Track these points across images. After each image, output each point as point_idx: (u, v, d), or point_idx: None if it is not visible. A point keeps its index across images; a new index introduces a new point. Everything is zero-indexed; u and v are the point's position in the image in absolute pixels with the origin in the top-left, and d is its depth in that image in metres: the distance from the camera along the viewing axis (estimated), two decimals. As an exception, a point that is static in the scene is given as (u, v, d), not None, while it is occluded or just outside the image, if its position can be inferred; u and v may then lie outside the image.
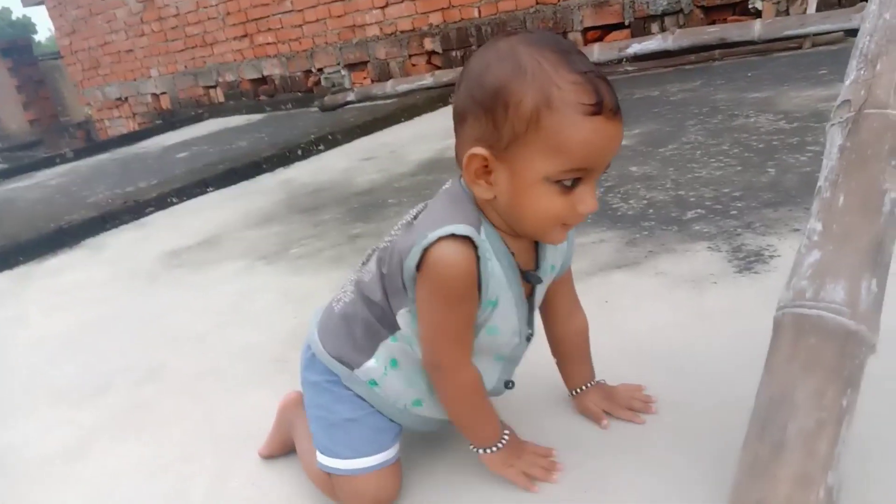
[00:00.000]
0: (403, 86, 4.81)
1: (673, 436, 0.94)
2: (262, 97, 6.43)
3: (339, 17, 5.57)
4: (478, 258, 0.79)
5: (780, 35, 3.53)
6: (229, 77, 6.67)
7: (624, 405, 1.00)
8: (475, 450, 0.92)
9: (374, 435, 0.92)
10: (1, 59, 9.64)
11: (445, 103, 4.43)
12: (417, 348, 0.88)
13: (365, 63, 5.60)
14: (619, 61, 4.03)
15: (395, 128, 4.05)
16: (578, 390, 1.03)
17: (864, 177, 0.83)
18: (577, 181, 0.75)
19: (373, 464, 0.91)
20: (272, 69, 6.28)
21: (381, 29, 5.37)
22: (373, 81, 5.53)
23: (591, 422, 1.01)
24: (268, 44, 6.20)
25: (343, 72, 5.77)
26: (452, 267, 0.78)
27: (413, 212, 0.89)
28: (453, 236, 0.77)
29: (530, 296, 0.90)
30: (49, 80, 10.19)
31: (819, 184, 0.89)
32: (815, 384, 0.74)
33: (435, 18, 5.04)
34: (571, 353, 1.03)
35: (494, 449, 0.91)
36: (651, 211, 1.80)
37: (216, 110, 6.66)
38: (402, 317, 0.86)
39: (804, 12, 3.62)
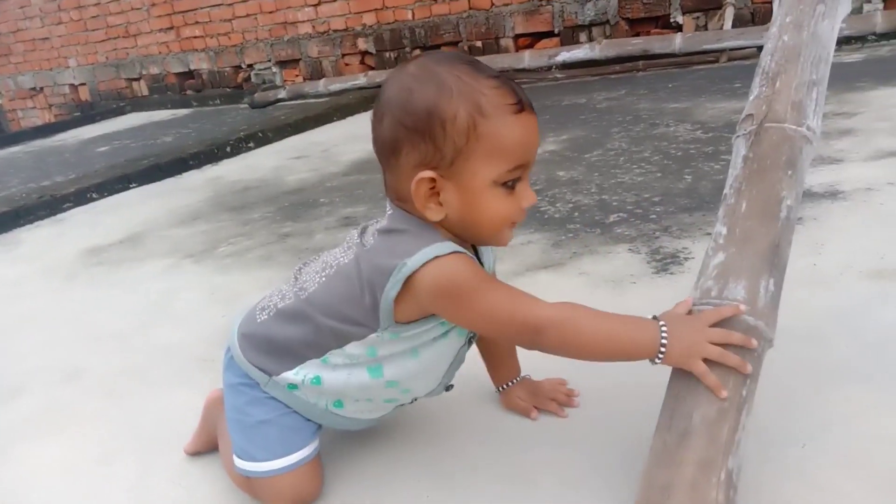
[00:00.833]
0: (336, 85, 4.78)
1: (593, 427, 0.99)
2: (189, 92, 6.25)
3: (270, 13, 5.48)
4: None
5: (699, 49, 3.71)
6: (154, 70, 6.45)
7: (548, 397, 1.05)
8: (653, 362, 0.80)
9: (289, 435, 0.92)
10: None
11: (378, 104, 4.43)
12: (352, 371, 0.87)
13: (297, 61, 5.53)
14: (549, 68, 4.13)
15: (328, 127, 4.02)
16: (505, 386, 1.07)
17: (763, 185, 0.90)
18: (516, 180, 0.79)
19: (288, 464, 0.91)
20: (200, 63, 6.11)
21: (313, 27, 5.32)
22: (305, 79, 5.47)
23: (516, 416, 1.04)
24: (195, 37, 6.03)
25: (274, 69, 5.68)
26: (464, 267, 0.78)
27: (355, 236, 0.87)
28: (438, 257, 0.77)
29: None
30: (-46, 65, 9.55)
31: (725, 191, 0.96)
32: (718, 375, 0.80)
33: (368, 19, 5.03)
34: (497, 351, 1.07)
35: (662, 348, 0.78)
36: (576, 214, 1.87)
37: (139, 104, 6.42)
38: (370, 341, 0.84)
39: (721, 28, 3.82)
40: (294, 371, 0.90)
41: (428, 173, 0.77)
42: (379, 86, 4.51)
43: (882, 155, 1.88)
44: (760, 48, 1.00)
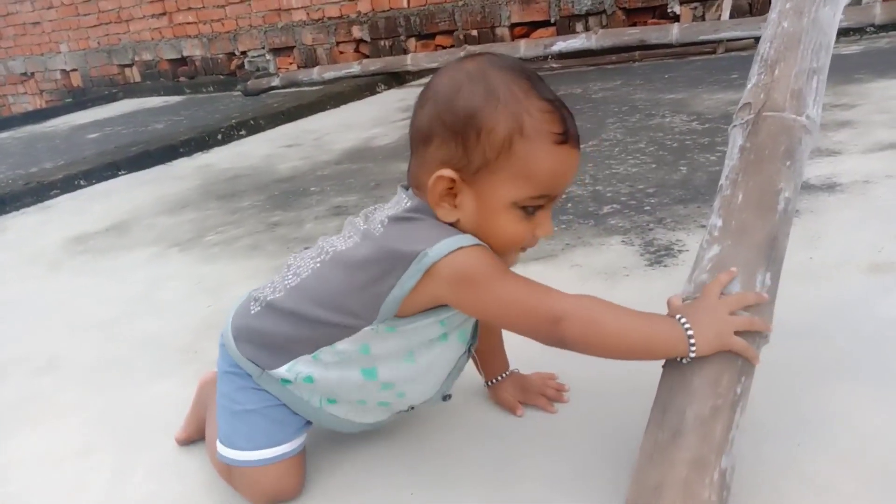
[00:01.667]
0: (330, 73, 4.73)
1: (582, 423, 0.97)
2: (182, 79, 6.18)
3: (264, -1, 5.42)
4: None
5: (696, 39, 3.68)
6: (146, 56, 6.37)
7: (538, 392, 1.02)
8: (685, 360, 0.76)
9: (275, 427, 0.90)
10: None
11: (373, 92, 4.39)
12: (344, 368, 0.85)
13: (291, 48, 5.48)
14: (545, 58, 4.09)
15: (321, 115, 3.98)
16: (493, 381, 1.05)
17: (761, 176, 0.87)
18: (538, 207, 0.77)
19: (270, 456, 0.89)
20: (193, 50, 6.04)
21: (307, 14, 5.26)
22: (299, 67, 5.41)
23: (504, 412, 1.02)
24: (188, 23, 5.96)
25: (268, 56, 5.62)
26: (486, 259, 0.75)
27: (360, 222, 0.84)
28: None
29: None
30: (-56, 50, 9.44)
31: (721, 182, 0.93)
32: (712, 372, 0.77)
33: (363, 6, 4.98)
34: (485, 345, 1.04)
35: (691, 339, 0.74)
36: (570, 205, 1.84)
37: (132, 90, 6.35)
38: (363, 336, 0.81)
39: (719, 18, 3.78)
40: (286, 367, 0.88)
41: (449, 173, 0.75)
42: (373, 74, 4.47)
43: (880, 147, 1.85)
44: (758, 39, 0.97)
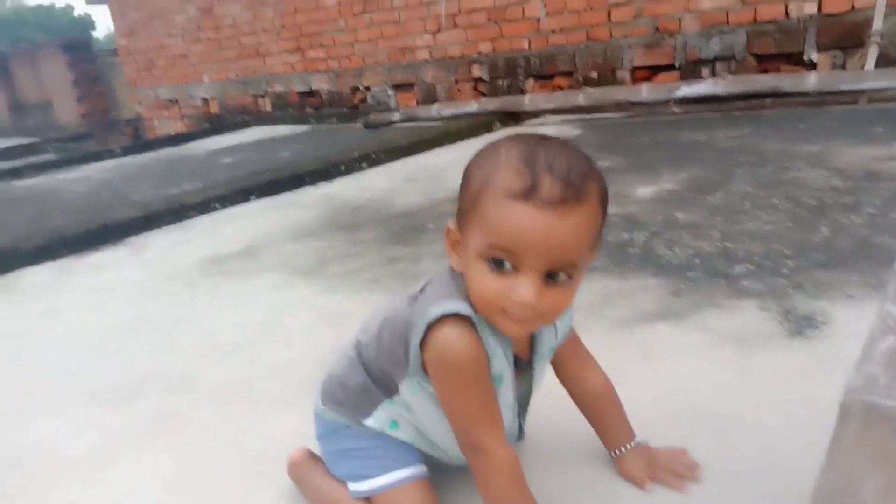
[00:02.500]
0: (448, 110, 4.84)
1: (718, 501, 0.91)
2: (309, 109, 6.53)
3: (390, 38, 5.65)
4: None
5: (835, 88, 3.47)
6: (278, 88, 6.79)
7: (667, 469, 0.97)
8: None
9: (397, 453, 0.94)
10: (60, 55, 9.96)
11: (489, 130, 4.44)
12: (416, 413, 0.91)
13: (412, 85, 5.66)
14: (667, 102, 4.00)
15: (438, 151, 4.06)
16: (619, 451, 1.01)
17: (941, 257, 0.80)
18: (503, 263, 0.75)
19: (405, 475, 0.93)
20: (320, 84, 6.37)
21: (430, 53, 5.43)
22: (418, 103, 5.58)
23: (632, 484, 0.97)
24: (318, 59, 6.31)
25: (390, 91, 5.84)
26: (456, 348, 0.80)
27: (421, 283, 0.90)
28: (454, 316, 0.79)
29: (522, 371, 0.91)
30: (103, 76, 10.49)
31: None
32: (884, 479, 0.70)
33: (485, 47, 5.08)
34: (595, 413, 1.02)
35: None
36: (697, 261, 1.76)
37: (262, 118, 6.78)
38: (405, 385, 0.88)
39: (862, 68, 3.56)
40: (371, 418, 0.94)
41: (451, 223, 0.82)
42: (490, 112, 4.52)
43: None
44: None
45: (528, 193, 0.73)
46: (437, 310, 0.79)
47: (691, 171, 2.69)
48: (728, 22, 3.97)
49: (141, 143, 6.62)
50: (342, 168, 3.71)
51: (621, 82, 4.41)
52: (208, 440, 1.26)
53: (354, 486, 0.95)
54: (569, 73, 4.69)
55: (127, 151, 6.14)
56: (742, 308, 1.46)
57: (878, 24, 3.46)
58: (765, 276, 1.61)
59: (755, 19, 3.88)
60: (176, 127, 8.07)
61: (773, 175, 2.46)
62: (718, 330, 1.39)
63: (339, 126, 5.84)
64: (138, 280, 2.33)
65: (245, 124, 6.73)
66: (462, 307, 0.79)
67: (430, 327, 0.80)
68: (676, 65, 4.20)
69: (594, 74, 4.55)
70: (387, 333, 0.88)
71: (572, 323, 0.96)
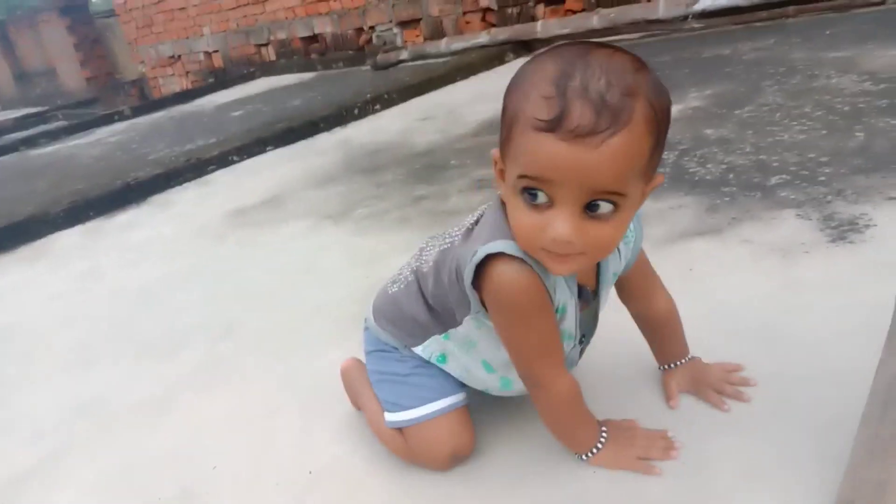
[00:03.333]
0: (458, 44, 4.72)
1: (774, 408, 0.91)
2: (314, 55, 6.40)
3: (392, -28, 5.47)
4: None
5: (862, -10, 3.32)
6: (281, 35, 6.65)
7: (713, 388, 0.96)
8: (581, 457, 0.89)
9: (436, 382, 0.95)
10: (59, 18, 9.80)
11: (502, 62, 4.34)
12: (471, 351, 0.91)
13: (417, 21, 5.51)
14: (685, 18, 3.86)
15: (451, 87, 3.99)
16: (667, 367, 1.01)
17: None
18: (538, 195, 0.70)
19: (441, 407, 0.93)
20: (324, 27, 6.23)
21: (434, -15, 5.26)
22: (425, 39, 5.44)
23: (694, 399, 0.97)
24: (319, 1, 6.14)
25: (395, 30, 5.69)
26: (517, 286, 0.77)
27: (478, 212, 0.88)
28: (506, 255, 0.76)
29: (588, 304, 0.90)
30: (103, 38, 10.34)
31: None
32: None
33: (491, -26, 4.90)
34: (656, 334, 1.01)
35: (596, 450, 0.88)
36: (731, 176, 1.73)
37: (267, 69, 6.67)
38: (467, 323, 0.87)
39: (889, -35, 3.39)
40: (421, 347, 0.94)
41: (495, 151, 0.77)
42: (502, 43, 4.40)
43: None
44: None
45: (555, 124, 0.66)
46: (484, 249, 0.76)
47: (717, 86, 2.62)
48: (745, -73, 3.78)
49: (149, 103, 6.57)
50: (355, 112, 3.67)
51: (636, 0, 4.26)
52: (260, 381, 1.29)
53: (390, 417, 0.96)
54: (579, -4, 4.53)
55: (136, 112, 6.10)
56: (782, 218, 1.44)
57: (905, -84, 3.28)
58: (802, 186, 1.58)
59: (774, -78, 3.69)
60: (181, 84, 7.98)
61: (802, 84, 2.38)
62: (759, 242, 1.37)
63: (347, 70, 5.74)
64: (169, 236, 2.35)
65: (251, 76, 6.63)
66: (508, 246, 0.76)
67: (484, 265, 0.77)
68: (692, -22, 4.03)
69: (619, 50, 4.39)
70: (445, 270, 0.86)
71: (641, 245, 0.92)
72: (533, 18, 4.75)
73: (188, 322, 1.61)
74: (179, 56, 7.95)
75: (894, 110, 1.91)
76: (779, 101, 2.25)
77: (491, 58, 4.31)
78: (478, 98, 3.49)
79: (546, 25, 4.36)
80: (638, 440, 0.89)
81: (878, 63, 2.41)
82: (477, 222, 0.85)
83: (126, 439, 1.21)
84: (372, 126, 3.44)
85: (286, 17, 6.51)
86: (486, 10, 5.04)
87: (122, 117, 6.00)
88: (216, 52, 7.45)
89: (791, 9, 3.56)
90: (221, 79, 6.92)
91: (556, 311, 0.82)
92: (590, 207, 0.69)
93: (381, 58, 5.20)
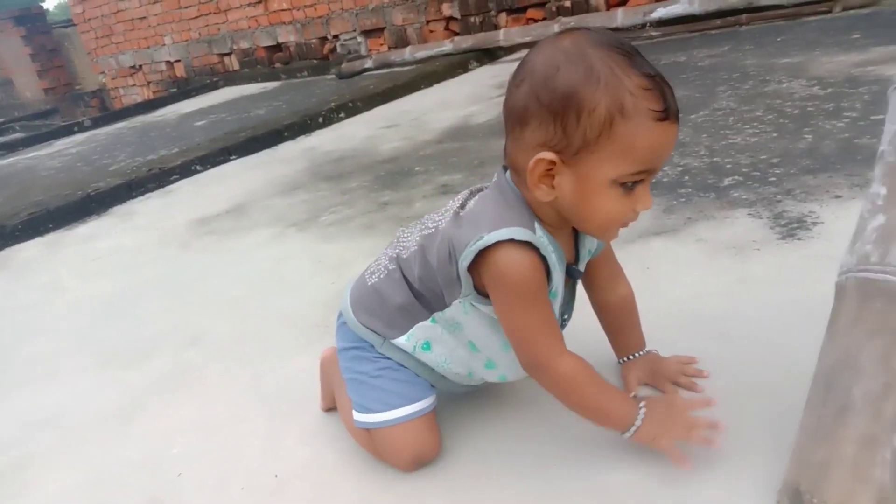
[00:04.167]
0: (422, 52, 4.76)
1: (726, 399, 0.95)
2: (278, 65, 6.38)
3: (355, -18, 5.50)
4: (543, 256, 0.81)
5: (810, -1, 3.45)
6: (244, 44, 6.62)
7: (669, 379, 1.00)
8: (623, 435, 0.85)
9: (405, 387, 0.95)
10: (14, 27, 9.60)
11: (465, 70, 4.39)
12: (457, 334, 0.91)
13: (381, 30, 5.54)
14: (643, 26, 3.96)
15: (416, 95, 4.02)
16: (625, 359, 1.04)
17: (930, 140, 0.82)
18: (637, 182, 0.76)
19: (407, 413, 0.93)
20: (287, 36, 6.22)
21: (398, -6, 5.30)
22: (389, 48, 5.47)
23: (647, 388, 1.01)
24: (282, 10, 6.13)
25: (359, 38, 5.71)
26: (522, 269, 0.79)
27: (459, 199, 0.89)
28: (513, 241, 0.78)
29: (571, 283, 0.93)
30: (61, 48, 10.15)
31: (882, 148, 0.88)
32: (881, 347, 0.74)
33: (454, -17, 4.96)
34: (616, 323, 1.04)
35: (635, 427, 0.83)
36: (686, 178, 1.78)
37: (231, 78, 6.63)
38: (455, 307, 0.88)
39: (835, -25, 3.53)
40: (405, 336, 0.93)
41: (549, 155, 0.75)
42: (465, 52, 4.46)
43: None
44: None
45: (667, 112, 0.72)
46: (494, 236, 0.77)
47: (675, 91, 2.69)
48: (698, -62, 3.90)
49: (110, 114, 6.48)
50: (320, 120, 3.67)
51: (595, 9, 4.35)
52: (227, 388, 1.29)
53: (358, 417, 0.96)
54: (542, 5, 4.61)
55: (97, 123, 6.01)
56: (734, 217, 1.50)
57: (849, -72, 3.42)
58: (754, 186, 1.64)
59: (726, -67, 3.81)
60: (143, 94, 7.88)
61: (754, 89, 2.47)
62: (713, 240, 1.42)
63: (311, 79, 5.74)
64: (132, 246, 2.32)
65: (214, 86, 6.58)
66: (522, 233, 0.78)
67: (486, 250, 0.78)
68: (649, -13, 4.14)
69: (567, 3, 4.47)
70: (434, 253, 0.86)
71: None
72: (495, 27, 4.82)
73: (153, 331, 1.60)
74: (140, 66, 7.85)
75: (839, 113, 1.99)
76: (732, 105, 2.33)
77: (454, 66, 4.35)
78: (442, 105, 3.52)
79: (508, 34, 4.43)
80: (678, 417, 0.84)
81: (824, 68, 2.51)
82: (462, 206, 0.86)
83: (90, 450, 1.19)
84: (337, 134, 3.45)
85: (249, 27, 6.48)
86: (450, 18, 5.10)
87: (82, 128, 5.90)
88: (178, 61, 7.38)
89: (744, 17, 3.68)
90: (184, 88, 6.85)
91: (550, 294, 0.85)
92: None
93: (345, 66, 5.22)
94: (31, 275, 2.25)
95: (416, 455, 0.94)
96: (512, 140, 0.81)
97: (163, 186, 3.10)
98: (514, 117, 0.79)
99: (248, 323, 1.54)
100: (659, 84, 0.73)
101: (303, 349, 1.35)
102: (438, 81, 4.21)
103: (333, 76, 5.34)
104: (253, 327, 1.51)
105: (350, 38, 5.77)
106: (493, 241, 0.77)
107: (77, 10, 8.17)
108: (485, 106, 3.26)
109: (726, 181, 1.70)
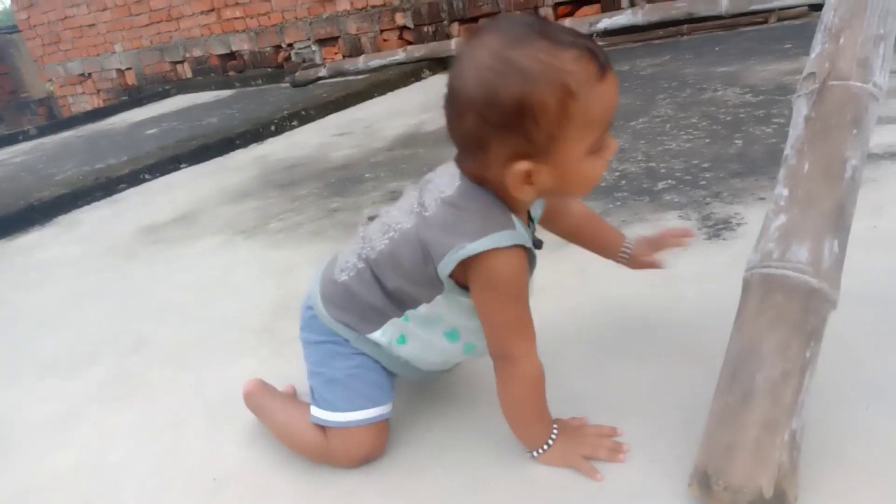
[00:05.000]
0: (376, 61, 4.78)
1: (649, 389, 1.00)
2: (231, 73, 6.33)
3: (309, -10, 5.49)
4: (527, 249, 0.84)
5: (747, 10, 3.59)
6: (197, 52, 6.54)
7: (665, 244, 1.12)
8: (530, 454, 0.90)
9: (373, 390, 0.96)
10: (-45, 33, 9.28)
11: (418, 78, 4.43)
12: (433, 327, 0.92)
13: (336, 38, 5.54)
14: (590, 36, 4.06)
15: (369, 103, 4.04)
16: (625, 252, 1.12)
17: (827, 145, 0.89)
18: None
19: (373, 416, 0.95)
20: (241, 44, 6.17)
21: (351, 3, 5.31)
22: (344, 57, 5.48)
23: (570, 374, 1.05)
24: (236, 18, 6.09)
25: (314, 47, 5.71)
26: (509, 272, 0.81)
27: (414, 196, 0.89)
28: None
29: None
30: (5, 54, 9.85)
31: (786, 152, 0.94)
32: (781, 337, 0.80)
33: (406, -7, 5.00)
34: (588, 234, 1.12)
35: (546, 447, 0.89)
36: (623, 182, 1.85)
37: (184, 86, 6.54)
38: (437, 302, 0.88)
39: (770, -12, 3.68)
40: (380, 331, 0.94)
41: (524, 165, 0.76)
42: (418, 60, 4.48)
43: (946, 114, 1.80)
44: (812, 6, 0.97)
45: (603, 66, 0.73)
46: (478, 245, 0.78)
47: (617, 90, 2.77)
48: (642, -49, 4.02)
49: (57, 122, 6.32)
50: (272, 128, 3.66)
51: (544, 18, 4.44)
52: (168, 393, 1.29)
53: (317, 413, 0.96)
54: (493, 14, 4.68)
55: (43, 132, 5.86)
56: (666, 219, 1.56)
57: (782, -57, 3.57)
58: (685, 189, 1.71)
59: (668, -53, 3.94)
60: (93, 102, 7.70)
61: (691, 97, 2.56)
62: (646, 241, 1.48)
63: (266, 87, 5.70)
64: (76, 256, 2.29)
65: (166, 94, 6.48)
66: (507, 238, 0.79)
67: (472, 256, 0.79)
68: (596, -2, 4.25)
69: (517, 13, 4.55)
70: (406, 255, 0.86)
71: None
72: (448, 36, 4.88)
73: (95, 339, 1.59)
74: (90, 74, 7.68)
75: (769, 119, 2.09)
76: (670, 112, 2.42)
77: (408, 74, 4.39)
78: (394, 113, 3.55)
79: (460, 43, 4.48)
80: (587, 438, 0.90)
81: (758, 77, 2.62)
82: (423, 206, 0.86)
83: (26, 460, 1.18)
84: (289, 142, 3.45)
85: (202, 35, 6.41)
86: (403, 28, 5.13)
87: (27, 137, 5.75)
88: (129, 69, 7.25)
89: (685, 27, 3.81)
90: (135, 97, 6.73)
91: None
92: None
93: (299, 75, 5.21)
94: (-30, 286, 2.19)
95: (367, 456, 0.96)
96: (473, 161, 0.81)
97: (110, 195, 3.05)
98: (471, 144, 0.79)
99: (192, 328, 1.53)
100: (584, 46, 0.73)
101: (247, 353, 1.36)
102: (391, 90, 4.24)
103: (288, 84, 5.32)
104: (197, 333, 1.51)
105: (304, 47, 5.76)
106: (479, 251, 0.79)
107: (22, 17, 7.96)
108: (436, 114, 3.30)
109: (660, 185, 1.77)
